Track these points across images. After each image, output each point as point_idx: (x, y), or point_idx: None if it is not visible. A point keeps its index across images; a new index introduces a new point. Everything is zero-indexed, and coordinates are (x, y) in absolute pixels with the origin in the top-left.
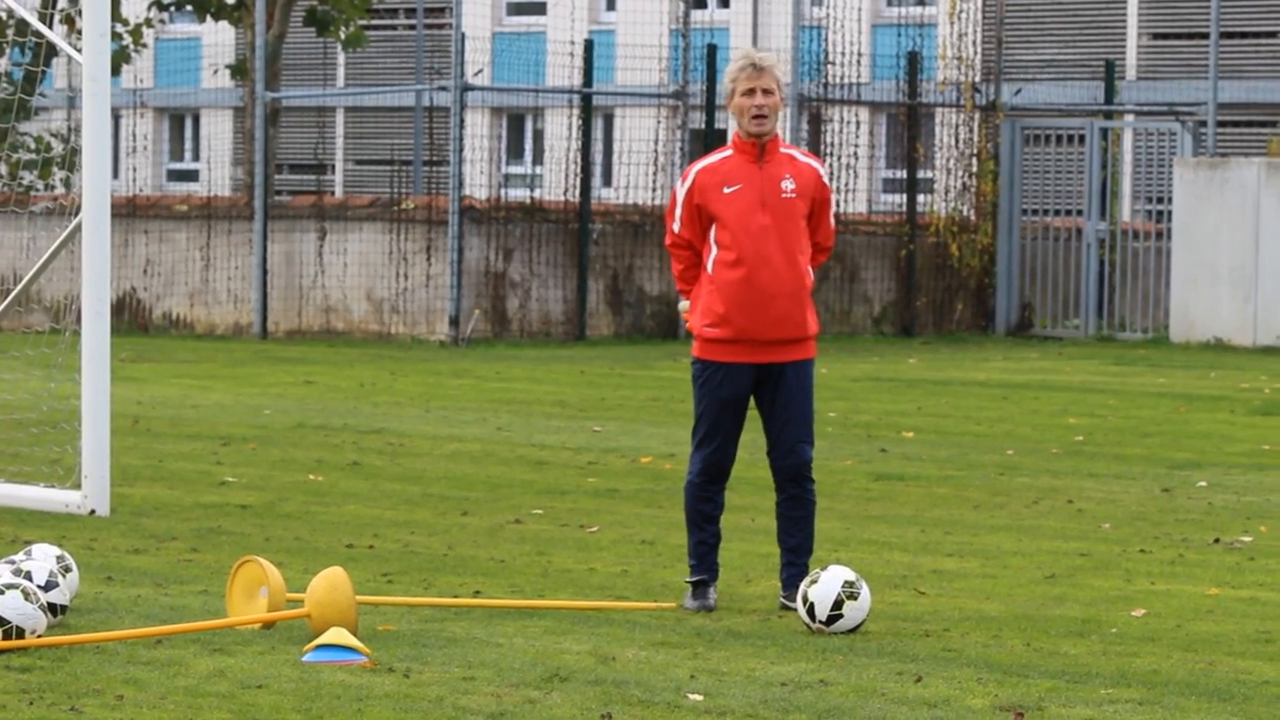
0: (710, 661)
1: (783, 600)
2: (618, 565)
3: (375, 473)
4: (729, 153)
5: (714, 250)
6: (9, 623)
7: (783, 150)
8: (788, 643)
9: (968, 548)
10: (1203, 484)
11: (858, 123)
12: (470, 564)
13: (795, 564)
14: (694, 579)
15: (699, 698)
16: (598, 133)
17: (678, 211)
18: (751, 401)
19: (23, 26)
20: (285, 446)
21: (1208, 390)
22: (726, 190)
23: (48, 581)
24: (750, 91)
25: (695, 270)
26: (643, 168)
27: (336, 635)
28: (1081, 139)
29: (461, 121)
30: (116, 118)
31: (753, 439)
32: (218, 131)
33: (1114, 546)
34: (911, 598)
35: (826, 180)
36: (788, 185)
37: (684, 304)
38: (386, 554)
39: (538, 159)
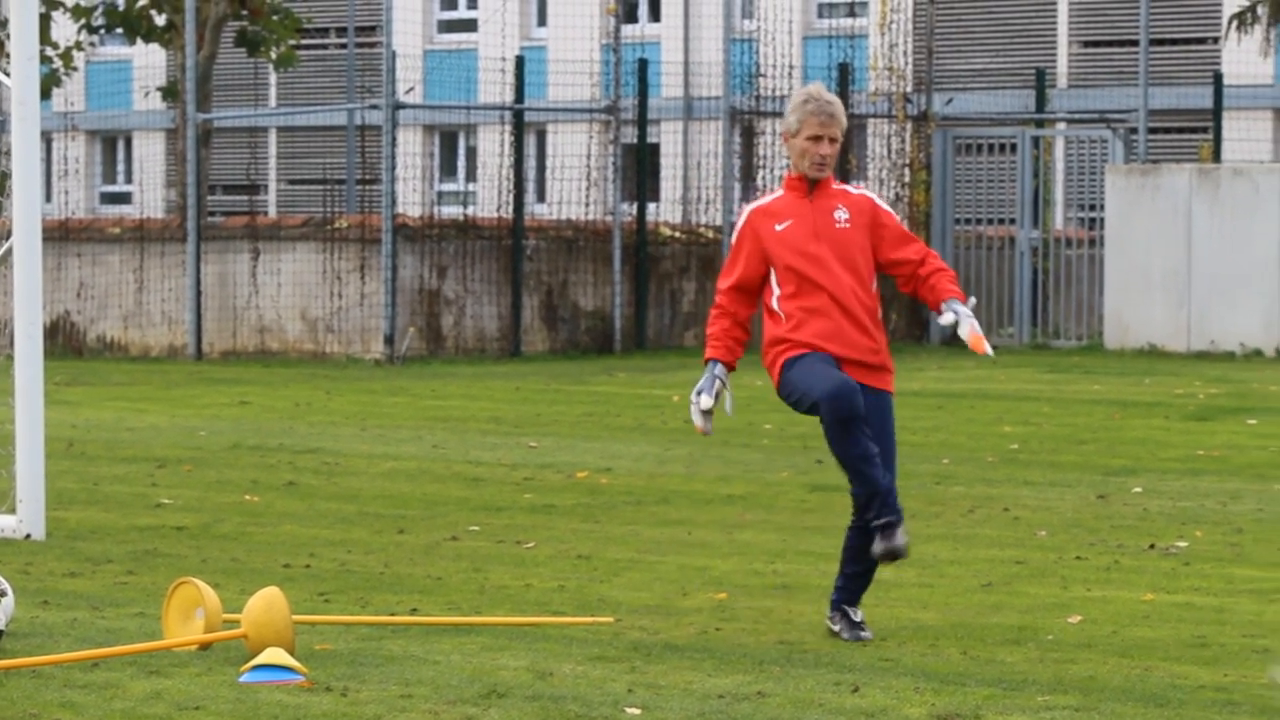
0: (648, 675)
1: (829, 623)
2: (554, 581)
3: (311, 492)
4: (781, 193)
5: (775, 291)
6: None
7: (834, 186)
8: (725, 655)
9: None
10: (1138, 490)
11: None
12: (407, 582)
13: (850, 589)
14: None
15: (637, 711)
16: (530, 149)
17: (729, 258)
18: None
19: None
20: (221, 468)
21: (1142, 396)
22: (778, 227)
23: None
24: (818, 138)
25: (733, 329)
26: (576, 183)
27: (274, 655)
28: (1013, 148)
29: (394, 140)
30: (48, 141)
31: (689, 451)
32: (150, 153)
33: (1050, 554)
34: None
35: (881, 203)
36: (840, 215)
37: (699, 383)
38: (323, 573)
39: (471, 176)
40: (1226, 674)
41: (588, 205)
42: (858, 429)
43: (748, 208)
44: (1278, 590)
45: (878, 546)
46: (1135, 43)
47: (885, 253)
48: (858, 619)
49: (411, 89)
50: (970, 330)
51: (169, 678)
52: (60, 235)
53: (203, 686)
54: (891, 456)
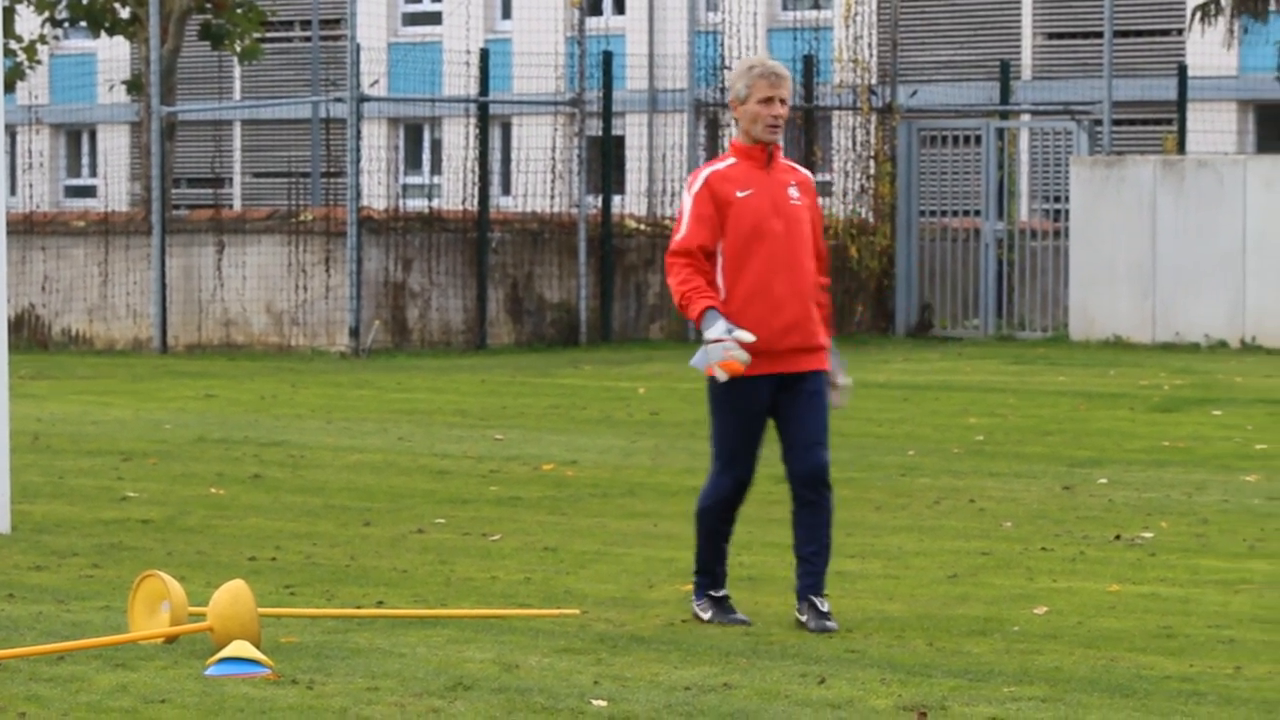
0: (614, 667)
1: (797, 614)
2: (520, 573)
3: (277, 485)
4: (733, 159)
5: (720, 260)
6: None
7: (782, 160)
8: (691, 647)
9: (870, 549)
10: (1103, 481)
11: None
12: (373, 574)
13: (811, 574)
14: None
15: (603, 703)
16: (495, 141)
17: (686, 219)
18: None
19: None
20: (186, 461)
21: (1107, 388)
22: (740, 195)
23: None
24: (769, 100)
25: (708, 285)
26: (541, 175)
27: (239, 648)
28: (978, 139)
29: (358, 132)
30: (12, 134)
31: (654, 444)
32: (114, 147)
33: (1015, 545)
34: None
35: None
36: (793, 192)
37: (716, 326)
38: (289, 566)
39: (436, 169)
40: (1192, 664)
41: (553, 198)
42: (734, 511)
43: (704, 170)
44: (1243, 581)
45: (716, 617)
46: (1100, 34)
47: (813, 239)
48: (824, 609)
49: (376, 81)
50: (839, 394)
51: (135, 671)
52: (25, 229)
53: (169, 680)
54: (826, 432)
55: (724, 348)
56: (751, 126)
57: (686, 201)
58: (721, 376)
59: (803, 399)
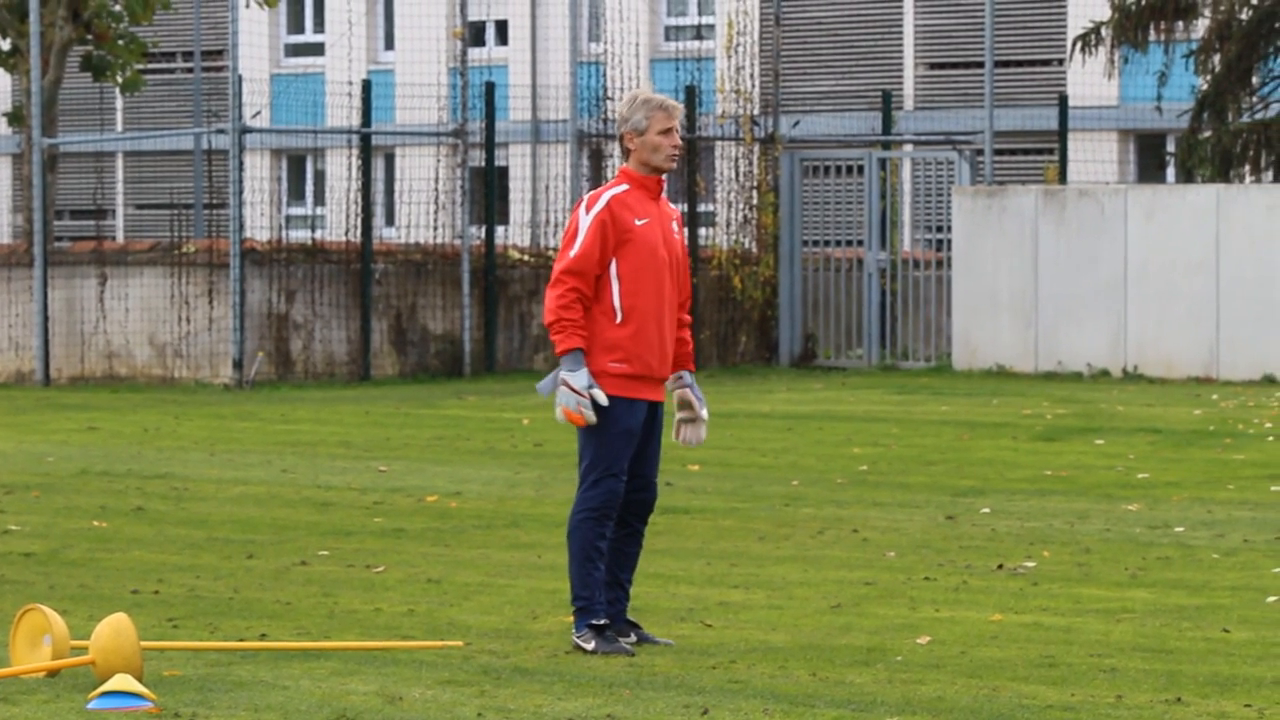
0: (498, 699)
1: (624, 640)
2: (404, 605)
3: (160, 518)
4: (626, 186)
5: (615, 284)
6: None
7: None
8: (575, 678)
9: (754, 579)
10: (986, 510)
11: None
12: (256, 607)
13: (628, 598)
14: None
15: None
16: (378, 172)
17: (584, 237)
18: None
19: None
20: (69, 494)
21: (990, 417)
22: (638, 223)
23: None
24: (668, 131)
25: (584, 305)
26: (424, 206)
27: (122, 682)
28: (860, 169)
29: (241, 164)
30: None
31: (538, 475)
32: None
33: (899, 575)
34: (698, 630)
35: None
36: (674, 226)
37: (580, 376)
38: (172, 599)
39: (319, 200)
40: (1074, 693)
41: (436, 229)
42: (606, 527)
43: (605, 193)
44: (1125, 610)
45: (600, 647)
46: (981, 65)
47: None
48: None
49: (258, 113)
50: (702, 428)
51: (16, 705)
52: None
53: (50, 714)
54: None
55: (579, 401)
56: (652, 156)
57: (585, 220)
58: (560, 420)
59: (655, 430)
